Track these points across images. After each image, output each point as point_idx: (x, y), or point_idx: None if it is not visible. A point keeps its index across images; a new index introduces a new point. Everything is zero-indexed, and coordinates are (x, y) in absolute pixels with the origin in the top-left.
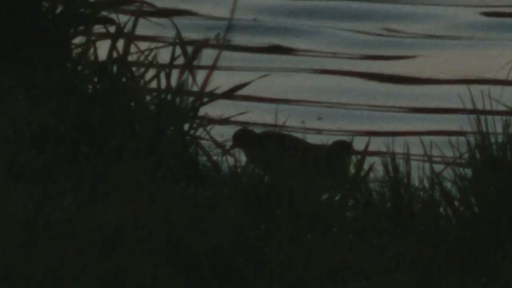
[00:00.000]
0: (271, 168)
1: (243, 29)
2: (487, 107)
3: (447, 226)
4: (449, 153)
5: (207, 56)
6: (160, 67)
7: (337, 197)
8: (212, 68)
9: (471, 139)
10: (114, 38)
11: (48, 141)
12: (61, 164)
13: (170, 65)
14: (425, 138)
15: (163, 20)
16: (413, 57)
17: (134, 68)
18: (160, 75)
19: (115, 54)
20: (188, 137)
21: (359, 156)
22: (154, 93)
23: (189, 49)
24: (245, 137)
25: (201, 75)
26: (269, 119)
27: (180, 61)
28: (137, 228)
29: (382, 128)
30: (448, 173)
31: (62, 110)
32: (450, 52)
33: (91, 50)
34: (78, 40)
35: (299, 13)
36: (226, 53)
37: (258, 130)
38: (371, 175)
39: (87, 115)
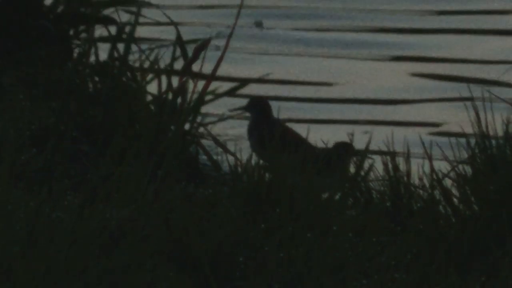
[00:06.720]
0: (271, 167)
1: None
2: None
3: (446, 225)
4: (449, 152)
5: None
6: (160, 67)
7: (337, 196)
8: (214, 69)
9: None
10: (115, 37)
11: (49, 140)
12: (62, 163)
13: (171, 65)
14: (426, 138)
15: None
16: None
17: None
18: (161, 75)
19: (116, 54)
20: (188, 137)
21: (359, 156)
22: (155, 93)
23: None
24: (259, 105)
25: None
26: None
27: (181, 60)
28: (138, 227)
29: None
30: (448, 171)
31: (63, 109)
32: None
33: (92, 50)
34: (79, 39)
35: None
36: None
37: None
38: (371, 174)
39: (88, 114)
